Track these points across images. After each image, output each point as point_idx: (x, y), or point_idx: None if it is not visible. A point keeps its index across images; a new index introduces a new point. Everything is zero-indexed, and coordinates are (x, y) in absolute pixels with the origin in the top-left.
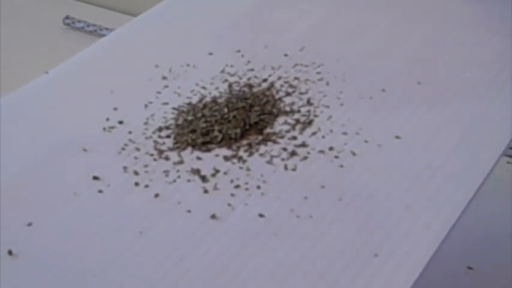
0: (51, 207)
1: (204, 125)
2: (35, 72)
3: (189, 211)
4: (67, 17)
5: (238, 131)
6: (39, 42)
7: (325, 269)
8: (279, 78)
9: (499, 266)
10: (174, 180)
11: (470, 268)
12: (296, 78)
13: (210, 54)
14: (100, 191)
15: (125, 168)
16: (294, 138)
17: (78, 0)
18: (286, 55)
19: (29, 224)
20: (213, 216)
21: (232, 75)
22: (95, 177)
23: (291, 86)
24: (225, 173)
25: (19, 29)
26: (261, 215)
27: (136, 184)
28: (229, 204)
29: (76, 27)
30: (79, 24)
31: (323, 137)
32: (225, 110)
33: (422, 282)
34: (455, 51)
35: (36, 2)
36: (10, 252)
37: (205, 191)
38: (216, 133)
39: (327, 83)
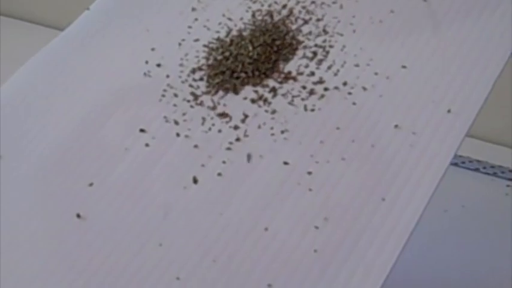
0: (107, 166)
1: (232, 65)
2: None
3: (224, 162)
4: None
5: (262, 71)
6: None
7: (340, 215)
8: (297, 3)
9: None
10: (210, 129)
11: None
12: (313, 2)
13: None
14: (147, 145)
15: (165, 117)
16: (312, 74)
17: None
18: None
19: (90, 185)
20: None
21: (254, 2)
22: (141, 130)
23: (308, 11)
24: (254, 117)
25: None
26: (285, 163)
27: (178, 135)
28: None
29: None
30: None
31: (338, 70)
32: (250, 47)
33: None
34: None
35: (32, 39)
36: (78, 216)
37: (237, 139)
38: (242, 74)
39: (341, 6)
